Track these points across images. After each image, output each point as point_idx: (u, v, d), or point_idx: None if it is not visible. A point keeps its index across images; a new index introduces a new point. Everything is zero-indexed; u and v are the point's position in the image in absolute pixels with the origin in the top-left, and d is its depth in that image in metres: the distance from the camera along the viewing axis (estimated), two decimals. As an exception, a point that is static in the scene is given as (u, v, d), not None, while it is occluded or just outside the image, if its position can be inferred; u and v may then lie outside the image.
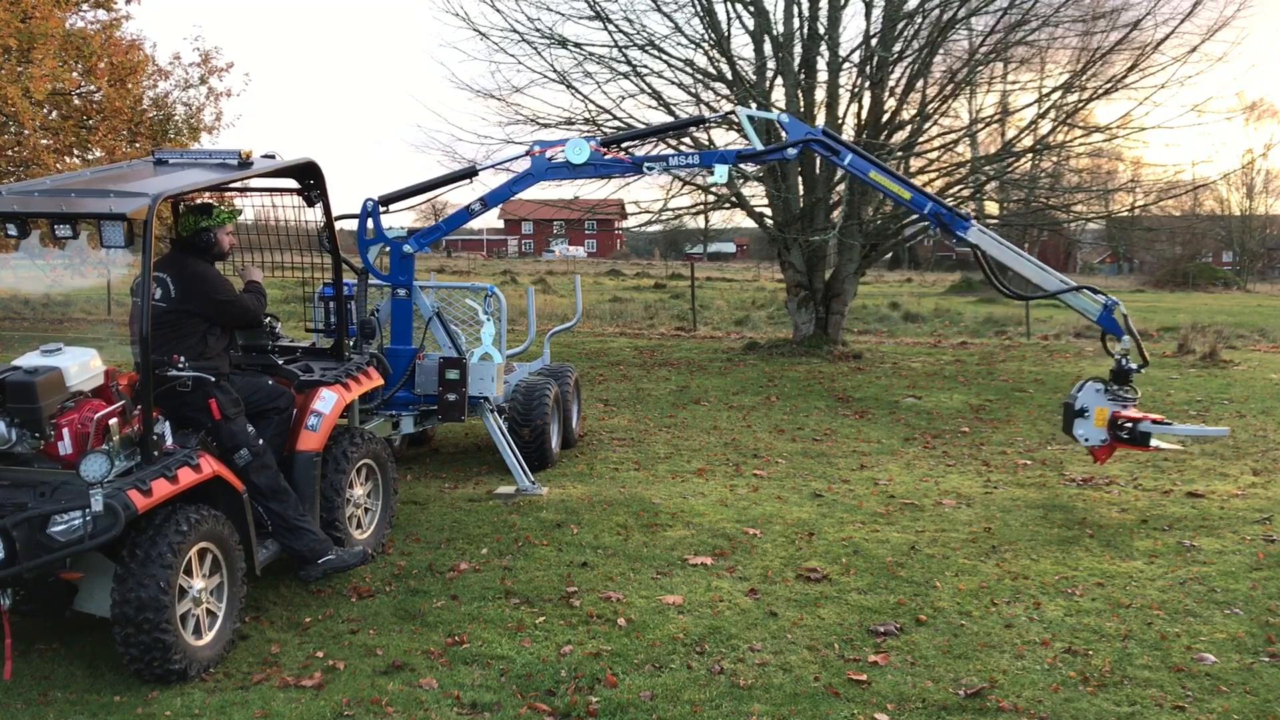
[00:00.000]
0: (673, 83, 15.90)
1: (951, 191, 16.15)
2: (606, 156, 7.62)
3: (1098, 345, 7.42)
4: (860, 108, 16.00)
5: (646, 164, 7.70)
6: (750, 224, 18.51)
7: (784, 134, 7.76)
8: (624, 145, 8.18)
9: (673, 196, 16.84)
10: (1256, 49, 60.72)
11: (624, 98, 16.98)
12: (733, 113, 8.21)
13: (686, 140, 15.17)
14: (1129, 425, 6.95)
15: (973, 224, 7.37)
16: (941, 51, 15.69)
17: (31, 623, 4.81)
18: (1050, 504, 7.31)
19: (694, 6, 15.45)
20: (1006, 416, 10.96)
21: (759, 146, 7.68)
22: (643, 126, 15.48)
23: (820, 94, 15.81)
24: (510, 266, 45.80)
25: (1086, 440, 7.14)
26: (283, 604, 5.27)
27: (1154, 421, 6.99)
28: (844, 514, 7.00)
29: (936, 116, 16.05)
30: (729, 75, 15.50)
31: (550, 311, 21.14)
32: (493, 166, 8.80)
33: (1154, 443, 6.98)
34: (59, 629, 4.86)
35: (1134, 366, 7.07)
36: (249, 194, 6.36)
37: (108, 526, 3.96)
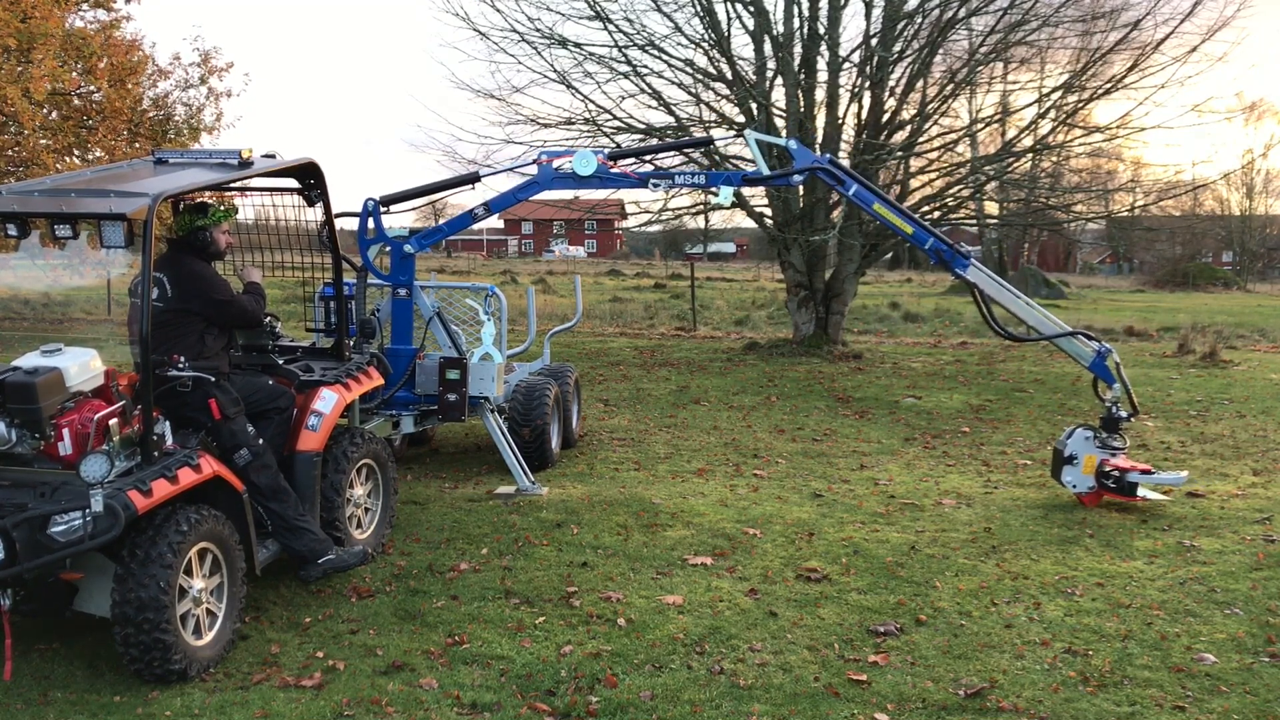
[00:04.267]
0: (673, 83, 15.91)
1: (951, 191, 16.15)
2: (613, 170, 7.64)
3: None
4: (860, 108, 16.01)
5: (653, 180, 7.72)
6: (750, 224, 18.52)
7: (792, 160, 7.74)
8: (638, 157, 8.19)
9: (673, 197, 16.84)
10: (1256, 49, 60.75)
11: (624, 97, 16.96)
12: (742, 135, 8.21)
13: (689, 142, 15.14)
14: (1116, 474, 7.02)
15: (972, 263, 7.41)
16: (941, 51, 15.70)
17: (31, 623, 4.81)
18: (1050, 504, 7.31)
19: (694, 6, 15.45)
20: (1006, 416, 10.96)
21: (765, 171, 7.71)
22: (643, 127, 15.53)
23: (820, 94, 15.81)
24: (510, 266, 45.79)
25: (1074, 487, 7.21)
26: (283, 604, 5.27)
27: (1141, 471, 7.09)
28: (844, 514, 7.01)
29: (936, 116, 16.05)
30: (729, 75, 15.50)
31: (550, 311, 21.13)
32: (494, 173, 8.82)
33: (1141, 493, 7.05)
34: (59, 629, 4.86)
35: (1124, 415, 7.15)
36: (249, 194, 6.36)
37: (108, 527, 3.96)
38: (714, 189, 7.75)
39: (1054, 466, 7.36)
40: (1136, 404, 7.39)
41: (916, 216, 7.69)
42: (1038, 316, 7.48)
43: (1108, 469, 7.09)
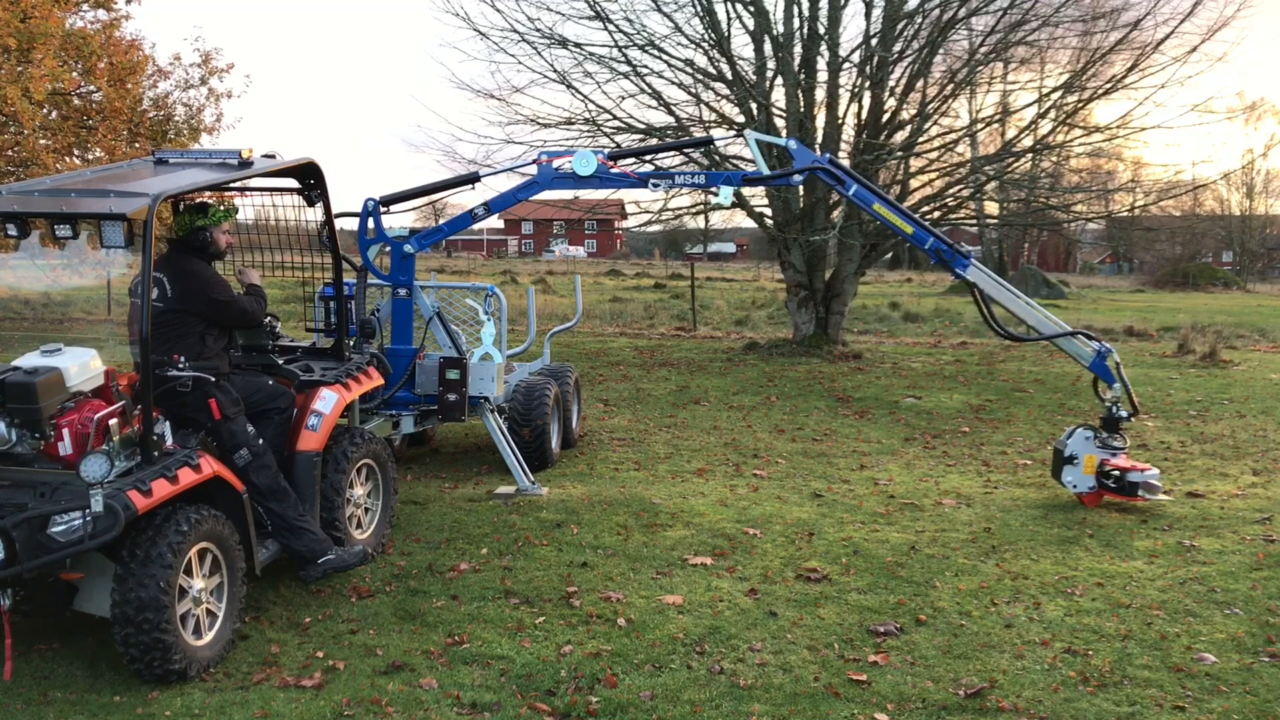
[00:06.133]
0: (673, 83, 15.91)
1: (951, 191, 16.15)
2: (613, 170, 7.64)
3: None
4: (860, 108, 16.01)
5: (653, 181, 7.73)
6: (750, 224, 18.52)
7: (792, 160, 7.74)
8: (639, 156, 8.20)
9: (673, 196, 16.85)
10: (1257, 49, 60.80)
11: (624, 97, 16.96)
12: (742, 134, 8.22)
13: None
14: (1117, 474, 7.02)
15: (972, 263, 7.41)
16: (941, 51, 15.69)
17: (31, 623, 4.81)
18: (1050, 504, 7.31)
19: (694, 6, 15.45)
20: (1006, 416, 10.96)
21: (765, 171, 7.72)
22: (643, 127, 15.53)
23: (820, 94, 15.81)
24: (510, 266, 45.79)
25: (1075, 487, 7.21)
26: (283, 604, 5.27)
27: (1141, 471, 7.08)
28: (844, 514, 7.00)
29: (936, 116, 16.04)
30: (729, 75, 15.50)
31: (550, 311, 21.13)
32: (495, 173, 8.82)
33: (1142, 493, 7.04)
34: (59, 629, 4.86)
35: (1124, 414, 7.15)
36: (249, 194, 6.36)
37: (108, 527, 3.96)
38: (714, 189, 7.75)
39: (1054, 466, 7.35)
40: (1137, 404, 7.39)
41: (916, 216, 7.68)
42: (1038, 316, 7.48)
43: (1108, 469, 7.09)
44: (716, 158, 15.31)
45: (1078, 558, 6.08)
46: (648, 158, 8.96)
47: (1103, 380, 7.22)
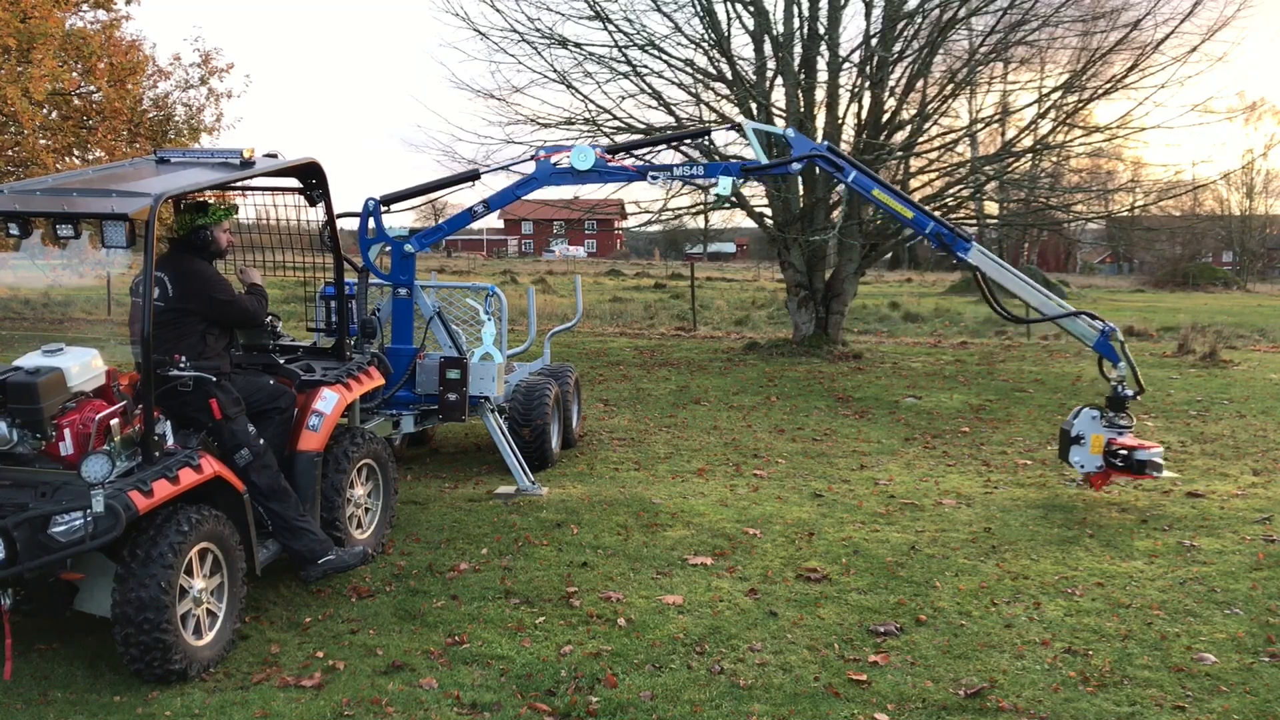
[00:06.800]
0: (673, 83, 15.92)
1: (951, 191, 16.15)
2: (611, 164, 7.65)
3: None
4: (860, 108, 16.01)
5: (651, 173, 7.73)
6: (750, 224, 18.52)
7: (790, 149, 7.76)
8: (630, 151, 8.21)
9: (673, 196, 16.87)
10: (1257, 49, 60.84)
11: (624, 97, 16.98)
12: (739, 124, 8.25)
13: (686, 141, 15.13)
14: (1124, 452, 7.00)
15: (974, 246, 7.39)
16: (941, 51, 15.69)
17: (31, 623, 4.81)
18: (1050, 504, 7.31)
19: (694, 6, 15.46)
20: (1006, 416, 10.97)
21: (763, 160, 7.73)
22: (643, 127, 15.54)
23: (820, 94, 15.81)
24: (510, 266, 45.80)
25: (1082, 467, 7.19)
26: (283, 604, 5.27)
27: (1148, 449, 7.06)
28: (844, 514, 7.01)
29: (936, 116, 16.05)
30: (729, 75, 15.51)
31: (550, 311, 21.14)
32: (494, 170, 8.82)
33: (1150, 471, 7.01)
34: (59, 629, 4.87)
35: (1130, 393, 7.13)
36: (251, 193, 6.36)
37: (109, 527, 3.96)
38: (713, 180, 7.78)
39: (1061, 448, 7.32)
40: (1142, 382, 7.35)
41: (915, 201, 7.70)
42: (1041, 299, 7.47)
43: (1115, 447, 7.06)
44: (716, 157, 15.31)
45: (1078, 558, 6.08)
46: (645, 151, 8.95)
47: (1108, 360, 7.22)
